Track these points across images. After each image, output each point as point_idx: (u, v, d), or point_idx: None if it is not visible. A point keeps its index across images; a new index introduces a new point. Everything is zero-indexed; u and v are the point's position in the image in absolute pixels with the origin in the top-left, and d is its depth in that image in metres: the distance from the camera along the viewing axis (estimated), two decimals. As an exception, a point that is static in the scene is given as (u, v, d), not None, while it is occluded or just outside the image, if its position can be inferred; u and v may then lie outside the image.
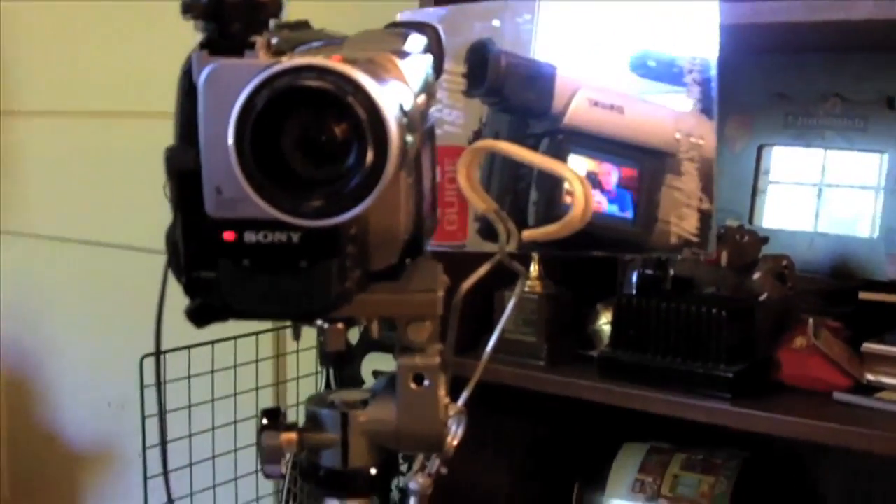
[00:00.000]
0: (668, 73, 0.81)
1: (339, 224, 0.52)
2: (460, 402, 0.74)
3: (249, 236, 0.54)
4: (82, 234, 2.48)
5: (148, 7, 2.23)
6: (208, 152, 0.53)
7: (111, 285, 2.42)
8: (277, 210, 0.52)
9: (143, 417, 1.69)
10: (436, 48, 0.75)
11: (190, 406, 1.75)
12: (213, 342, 1.78)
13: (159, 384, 1.09)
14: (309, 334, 0.68)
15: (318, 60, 0.51)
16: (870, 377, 1.27)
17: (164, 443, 1.70)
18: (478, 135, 0.93)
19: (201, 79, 0.52)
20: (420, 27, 0.75)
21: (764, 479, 1.50)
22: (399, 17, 0.91)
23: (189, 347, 1.74)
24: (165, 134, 2.20)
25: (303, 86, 0.50)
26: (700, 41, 0.79)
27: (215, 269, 0.55)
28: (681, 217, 0.80)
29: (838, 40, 1.43)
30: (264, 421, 0.65)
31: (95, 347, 2.46)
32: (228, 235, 0.54)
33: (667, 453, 1.53)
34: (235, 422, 1.81)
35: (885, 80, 1.50)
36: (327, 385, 1.88)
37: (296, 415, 1.98)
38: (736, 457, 1.50)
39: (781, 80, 1.57)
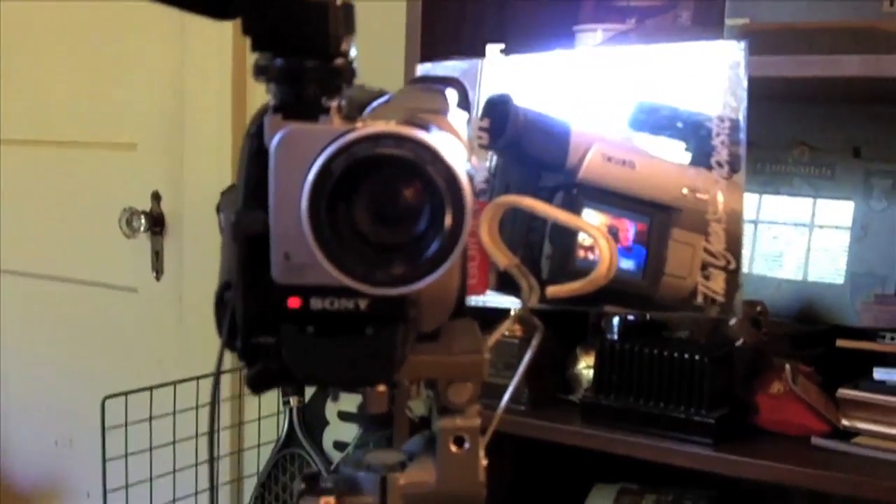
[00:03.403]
0: (695, 134, 0.82)
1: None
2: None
3: (315, 303, 0.53)
4: (37, 267, 2.41)
5: (114, 37, 2.19)
6: (278, 217, 0.52)
7: (66, 320, 2.36)
8: (350, 278, 0.51)
9: (104, 459, 1.66)
10: (464, 103, 0.75)
11: (151, 449, 1.71)
12: (175, 382, 1.75)
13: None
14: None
15: (396, 128, 0.51)
16: (845, 422, 1.29)
17: (126, 486, 1.67)
18: (487, 186, 0.93)
19: (274, 142, 0.51)
20: (447, 81, 0.75)
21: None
22: (420, 72, 0.91)
23: (151, 389, 1.71)
24: (127, 166, 2.15)
25: (382, 153, 0.50)
26: (726, 100, 0.80)
27: (275, 333, 0.54)
28: (707, 277, 0.80)
29: (806, 90, 1.46)
30: (302, 485, 0.64)
31: (46, 384, 2.40)
32: (294, 302, 0.53)
33: (637, 494, 1.54)
34: (196, 464, 1.78)
35: (851, 130, 1.54)
36: (289, 428, 1.86)
37: (256, 456, 1.95)
38: (704, 497, 1.51)
39: (750, 127, 1.59)
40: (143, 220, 2.14)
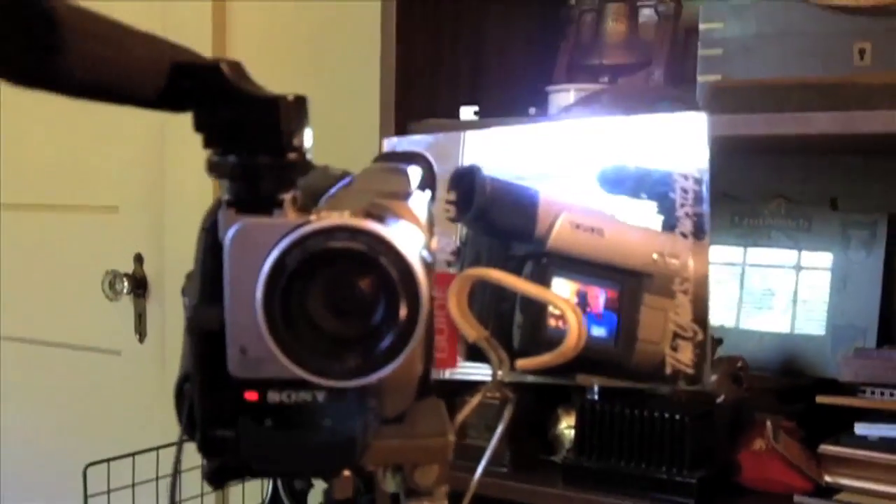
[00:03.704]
0: (660, 203, 0.82)
1: (366, 381, 0.52)
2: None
3: (273, 396, 0.52)
4: (19, 331, 2.39)
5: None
6: (234, 311, 0.51)
7: (48, 384, 2.34)
8: (306, 371, 0.51)
9: (87, 529, 1.63)
10: (429, 178, 0.75)
11: (134, 514, 1.69)
12: (157, 448, 1.74)
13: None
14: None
15: (349, 221, 0.50)
16: (828, 479, 1.29)
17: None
18: (457, 256, 0.93)
19: (228, 237, 0.51)
20: (412, 158, 0.75)
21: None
22: (386, 147, 0.92)
23: (133, 455, 1.69)
24: (109, 229, 2.16)
25: (336, 247, 0.50)
26: (689, 168, 0.81)
27: (233, 427, 0.53)
28: (675, 349, 0.80)
29: (780, 144, 1.47)
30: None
31: (29, 450, 2.37)
32: (251, 395, 0.52)
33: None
34: (180, 529, 1.75)
35: (827, 182, 1.55)
36: (273, 491, 1.84)
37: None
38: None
39: (727, 179, 1.60)
40: (125, 283, 2.13)
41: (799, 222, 1.56)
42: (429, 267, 0.56)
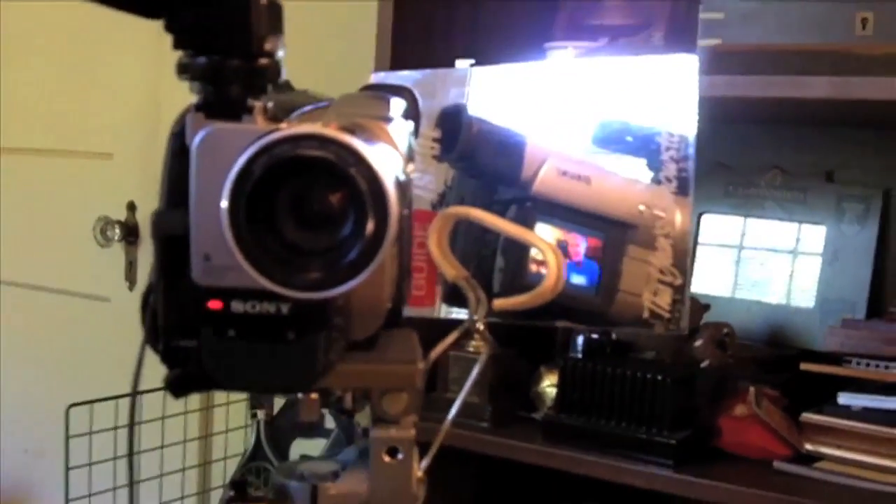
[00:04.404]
0: (645, 149, 0.81)
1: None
2: (420, 469, 0.72)
3: (236, 306, 0.52)
4: (10, 275, 2.39)
5: (91, 47, 2.19)
6: (199, 217, 0.51)
7: (37, 329, 2.34)
8: (270, 281, 0.50)
9: (67, 468, 1.64)
10: (413, 112, 0.74)
11: (115, 458, 1.69)
12: (139, 392, 1.73)
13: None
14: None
15: (320, 129, 0.50)
16: (809, 447, 1.28)
17: (90, 495, 1.65)
18: (442, 198, 0.92)
19: (195, 141, 0.51)
20: (397, 90, 0.74)
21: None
22: (373, 80, 0.91)
23: (117, 398, 1.69)
24: (103, 176, 2.15)
25: (304, 155, 0.49)
26: (677, 116, 0.80)
27: (196, 337, 0.53)
28: (655, 293, 0.80)
29: (779, 114, 1.46)
30: (231, 493, 0.63)
31: (16, 393, 2.38)
32: (215, 304, 0.52)
33: (599, 516, 1.53)
34: (161, 475, 1.76)
35: (824, 154, 1.54)
36: (257, 441, 1.84)
37: (223, 469, 1.93)
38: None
39: (722, 149, 1.59)
40: (117, 230, 2.13)
41: (794, 194, 1.55)
42: (402, 188, 0.55)
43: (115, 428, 1.69)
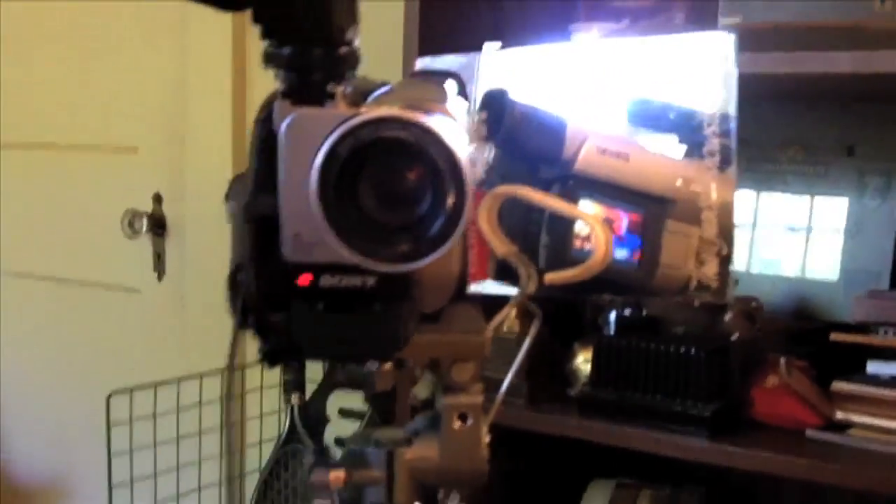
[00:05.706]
0: (687, 126, 0.84)
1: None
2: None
3: (325, 280, 0.55)
4: (40, 269, 2.43)
5: (115, 41, 2.22)
6: (288, 198, 0.54)
7: (68, 321, 2.38)
8: (357, 254, 0.53)
9: (110, 455, 1.68)
10: (462, 95, 0.77)
11: (155, 445, 1.73)
12: (178, 380, 1.78)
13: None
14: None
15: (400, 112, 0.53)
16: (840, 415, 1.31)
17: (132, 482, 1.69)
18: (485, 178, 0.95)
19: (283, 127, 0.54)
20: (448, 75, 0.77)
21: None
22: (419, 65, 0.94)
23: (155, 385, 1.73)
24: (129, 169, 2.17)
25: (386, 136, 0.52)
26: (714, 92, 0.83)
27: (286, 311, 0.56)
28: (702, 263, 0.83)
29: (799, 90, 1.48)
30: (313, 459, 0.66)
31: (48, 385, 2.41)
32: (304, 279, 0.55)
33: (634, 489, 1.56)
34: (200, 461, 1.80)
35: (845, 129, 1.56)
36: (291, 425, 1.87)
37: (258, 454, 1.97)
38: (699, 492, 1.54)
39: (744, 126, 1.61)
40: (144, 222, 2.16)
41: (815, 168, 1.58)
42: (473, 163, 0.58)
43: (155, 414, 1.73)
